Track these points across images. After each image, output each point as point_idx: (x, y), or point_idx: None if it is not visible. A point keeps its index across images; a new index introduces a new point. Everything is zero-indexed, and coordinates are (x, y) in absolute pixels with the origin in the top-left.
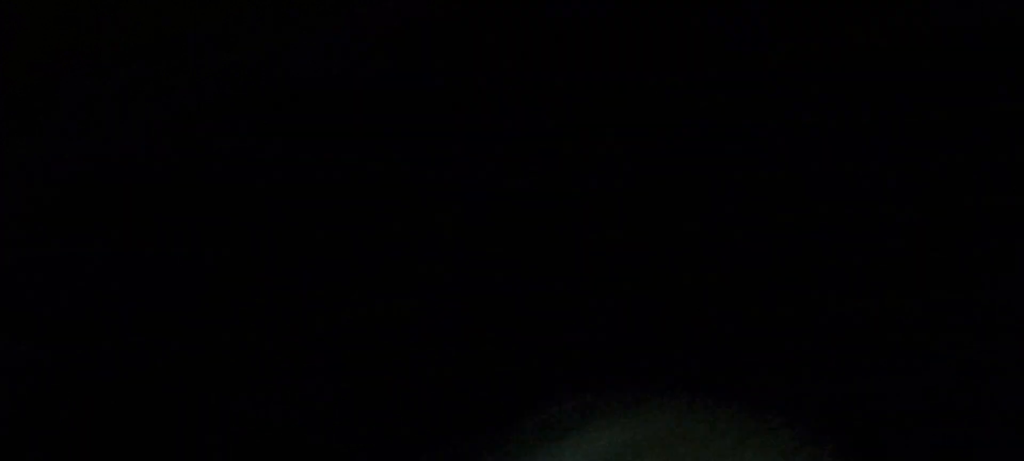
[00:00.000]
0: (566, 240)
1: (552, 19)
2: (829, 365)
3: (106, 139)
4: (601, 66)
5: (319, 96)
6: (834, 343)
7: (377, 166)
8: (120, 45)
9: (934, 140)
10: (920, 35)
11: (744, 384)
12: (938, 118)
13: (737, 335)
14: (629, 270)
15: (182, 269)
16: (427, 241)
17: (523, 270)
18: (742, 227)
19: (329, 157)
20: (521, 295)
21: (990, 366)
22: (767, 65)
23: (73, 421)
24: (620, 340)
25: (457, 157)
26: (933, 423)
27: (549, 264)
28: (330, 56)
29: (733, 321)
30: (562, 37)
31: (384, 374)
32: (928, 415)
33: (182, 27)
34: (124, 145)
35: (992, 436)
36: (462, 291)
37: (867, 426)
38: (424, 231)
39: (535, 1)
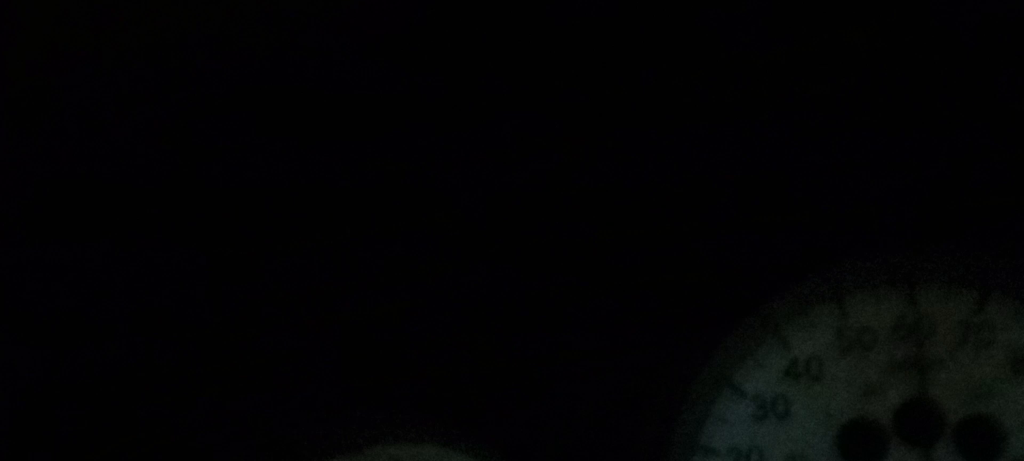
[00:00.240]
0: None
1: (552, 19)
2: None
3: (106, 139)
4: (601, 66)
5: (319, 96)
6: None
7: (377, 166)
8: (120, 45)
9: (934, 140)
10: (920, 35)
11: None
12: (938, 118)
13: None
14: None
15: (182, 269)
16: (427, 241)
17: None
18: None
19: (329, 157)
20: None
21: None
22: (767, 65)
23: (73, 421)
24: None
25: (457, 157)
26: None
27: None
28: (330, 56)
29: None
30: (562, 37)
31: (384, 374)
32: None
33: (182, 27)
34: (124, 145)
35: None
36: (463, 290)
37: None
38: (424, 231)
39: (535, 1)
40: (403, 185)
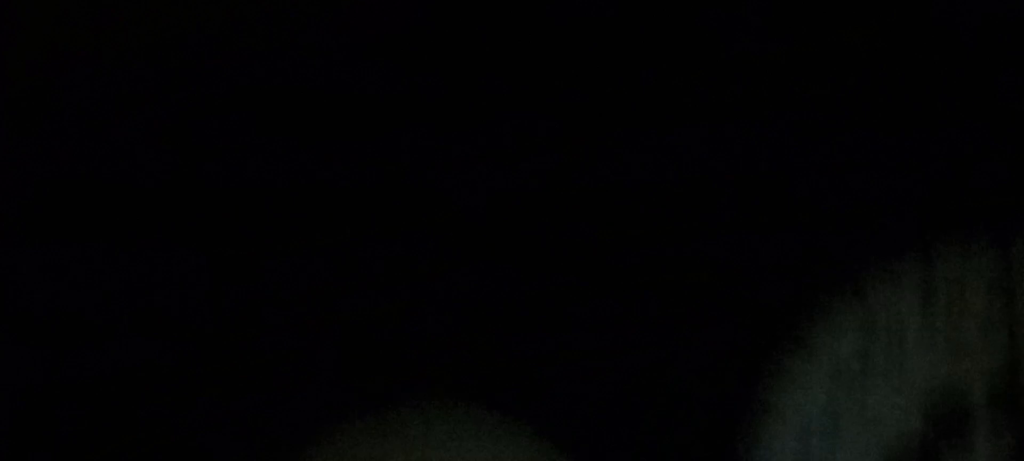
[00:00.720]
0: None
1: (552, 20)
2: None
3: (106, 139)
4: (601, 66)
5: (319, 97)
6: None
7: (377, 166)
8: (120, 45)
9: (933, 139)
10: (920, 35)
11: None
12: (938, 118)
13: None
14: None
15: (182, 269)
16: (427, 241)
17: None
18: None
19: (329, 157)
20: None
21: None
22: (767, 65)
23: (73, 421)
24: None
25: (457, 157)
26: None
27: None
28: (329, 57)
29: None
30: (562, 37)
31: (384, 374)
32: None
33: (182, 27)
34: (124, 145)
35: None
36: (462, 290)
37: None
38: (424, 231)
39: (535, 2)
40: (403, 185)
